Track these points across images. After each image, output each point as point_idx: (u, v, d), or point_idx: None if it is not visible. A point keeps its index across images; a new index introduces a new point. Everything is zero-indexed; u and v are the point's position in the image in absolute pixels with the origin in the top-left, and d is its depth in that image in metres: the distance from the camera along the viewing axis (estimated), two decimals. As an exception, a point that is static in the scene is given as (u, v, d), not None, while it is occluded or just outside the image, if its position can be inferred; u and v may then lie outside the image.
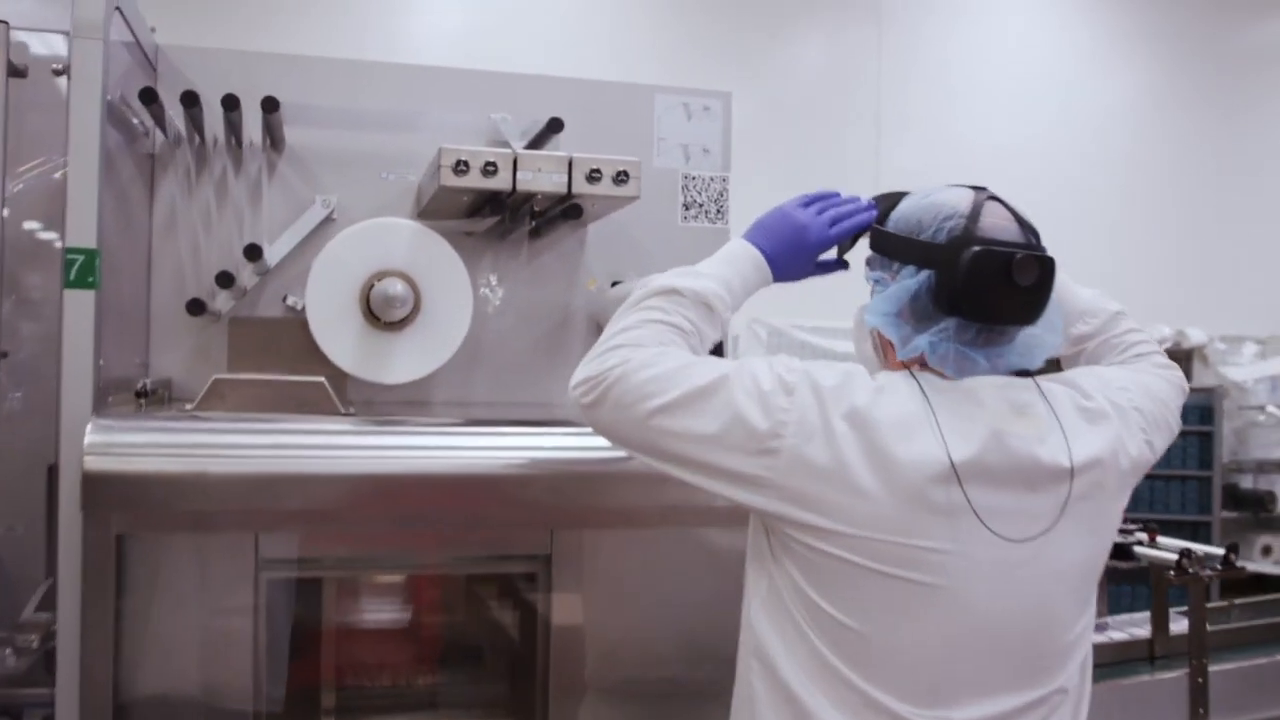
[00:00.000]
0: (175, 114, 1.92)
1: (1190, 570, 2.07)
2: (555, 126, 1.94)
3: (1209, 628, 2.18)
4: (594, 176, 1.77)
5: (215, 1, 5.65)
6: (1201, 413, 6.24)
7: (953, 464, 1.23)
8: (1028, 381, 1.33)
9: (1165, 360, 1.55)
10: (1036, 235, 1.33)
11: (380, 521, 1.65)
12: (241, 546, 1.59)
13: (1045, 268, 1.27)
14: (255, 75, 1.97)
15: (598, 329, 2.18)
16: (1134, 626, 2.31)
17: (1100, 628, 2.21)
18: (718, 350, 1.43)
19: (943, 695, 1.26)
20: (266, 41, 5.44)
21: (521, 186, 1.75)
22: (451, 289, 1.98)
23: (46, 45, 1.99)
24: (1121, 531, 2.26)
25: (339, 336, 1.93)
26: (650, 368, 1.28)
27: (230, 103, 1.86)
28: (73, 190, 1.59)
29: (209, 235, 2.02)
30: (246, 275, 2.01)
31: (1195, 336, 6.64)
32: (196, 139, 2.00)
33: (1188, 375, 1.54)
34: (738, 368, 1.28)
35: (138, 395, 1.83)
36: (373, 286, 1.92)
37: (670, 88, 2.28)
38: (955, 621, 1.25)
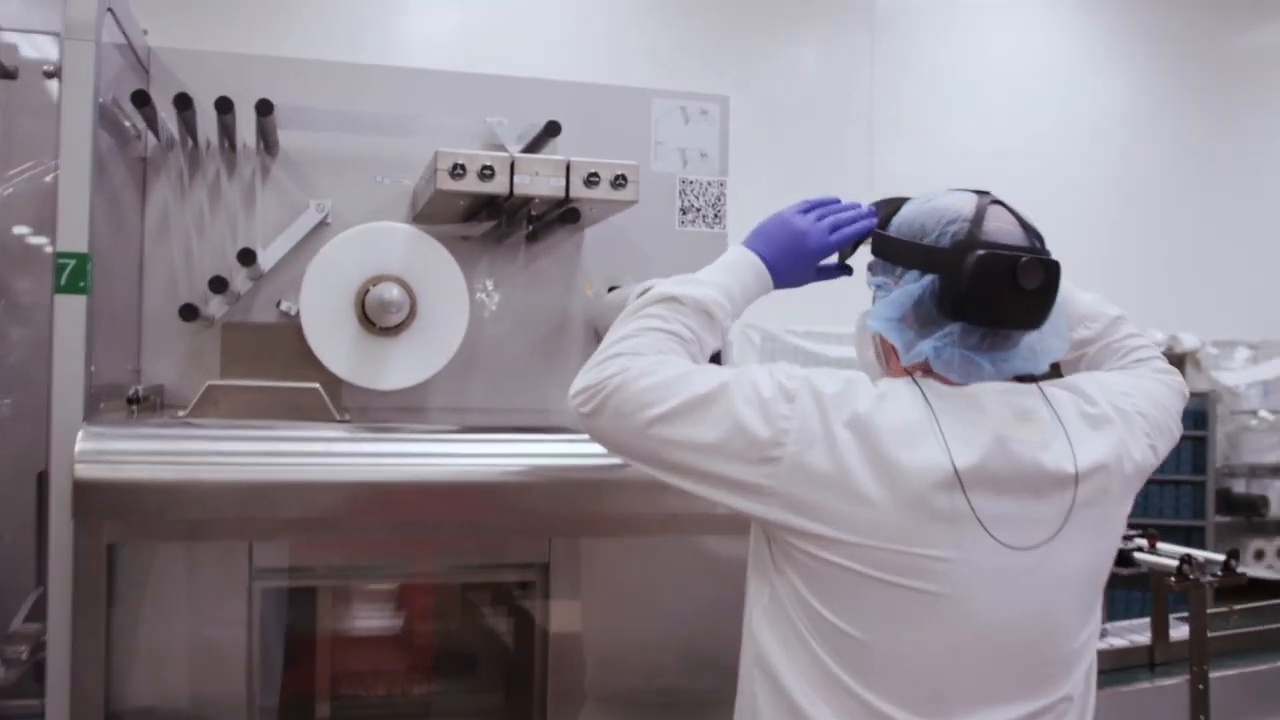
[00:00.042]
0: (168, 117, 1.91)
1: (1191, 576, 2.06)
2: (552, 130, 1.93)
3: (1209, 634, 2.17)
4: (592, 180, 1.76)
5: (208, 3, 5.62)
6: (1195, 417, 6.25)
7: (956, 471, 1.22)
8: (1031, 387, 1.32)
9: (1166, 365, 1.54)
10: (1040, 239, 1.32)
11: (376, 530, 1.64)
12: (235, 555, 1.58)
13: (1050, 271, 1.26)
14: (249, 78, 1.95)
15: (595, 334, 2.16)
16: (1134, 633, 2.30)
17: (1100, 634, 2.20)
18: (715, 358, 1.42)
19: (946, 704, 1.24)
20: (260, 44, 5.43)
21: (519, 190, 1.74)
22: (448, 294, 1.96)
23: (36, 47, 1.97)
24: (1122, 537, 2.25)
25: (334, 342, 1.91)
26: (649, 376, 1.27)
27: (224, 105, 1.84)
28: (64, 194, 1.58)
29: (202, 239, 2.01)
30: (240, 280, 1.99)
31: (1188, 341, 6.66)
32: (189, 142, 1.98)
33: (1180, 380, 1.53)
34: (738, 375, 1.27)
35: (129, 402, 1.81)
36: (368, 291, 1.91)
37: (668, 91, 2.27)
38: (959, 630, 1.24)
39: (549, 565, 1.67)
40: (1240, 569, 2.12)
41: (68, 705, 1.49)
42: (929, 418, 1.24)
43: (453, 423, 1.91)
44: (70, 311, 1.57)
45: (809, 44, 6.96)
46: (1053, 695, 1.28)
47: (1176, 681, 2.16)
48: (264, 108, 1.84)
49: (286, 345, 1.98)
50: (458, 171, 1.71)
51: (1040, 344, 1.32)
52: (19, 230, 2.04)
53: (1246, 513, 6.58)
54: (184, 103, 1.81)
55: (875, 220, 1.42)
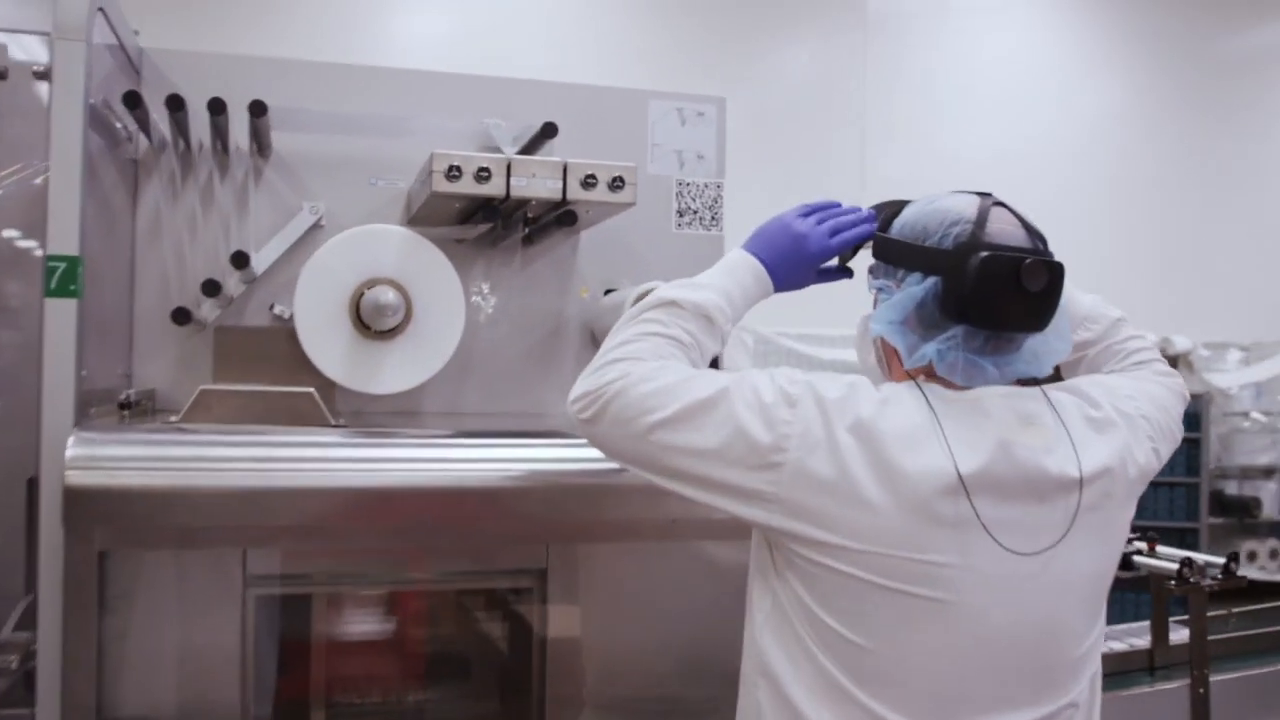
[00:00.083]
0: (160, 118, 1.89)
1: (1191, 580, 2.05)
2: (549, 132, 1.92)
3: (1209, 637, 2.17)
4: (589, 182, 1.75)
5: (200, 4, 5.59)
6: (1188, 419, 6.20)
7: (960, 476, 1.20)
8: (1034, 391, 1.31)
9: (1166, 367, 1.54)
10: (1044, 240, 1.31)
11: (371, 536, 1.62)
12: (229, 563, 1.56)
13: (1054, 273, 1.25)
14: (242, 79, 1.94)
15: (591, 338, 2.15)
16: (1133, 636, 2.30)
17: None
18: (713, 362, 1.41)
19: (951, 712, 1.23)
20: (253, 45, 5.40)
21: (515, 192, 1.72)
22: (443, 297, 1.95)
23: (24, 49, 1.95)
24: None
25: (328, 346, 1.90)
26: (649, 382, 1.26)
27: (216, 107, 1.83)
28: (54, 196, 1.57)
29: (194, 242, 2.00)
30: (233, 283, 1.98)
31: (1180, 343, 6.67)
32: (181, 144, 1.97)
33: (1174, 382, 1.52)
34: (739, 380, 1.26)
35: (121, 407, 1.80)
36: (363, 295, 1.90)
37: (664, 93, 2.26)
38: (963, 637, 1.22)
39: (546, 571, 1.66)
40: (1240, 572, 2.11)
41: (58, 715, 1.47)
42: (932, 422, 1.23)
43: (448, 427, 1.89)
44: (61, 315, 1.56)
45: (802, 46, 6.96)
46: (1058, 702, 1.27)
47: (1176, 685, 2.15)
48: (257, 109, 1.83)
49: (280, 349, 1.97)
50: (454, 173, 1.69)
51: (1043, 346, 1.31)
52: (8, 233, 2.02)
53: (1239, 514, 6.60)
54: (176, 104, 1.80)
55: (876, 224, 1.41)
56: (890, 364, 1.38)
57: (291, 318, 1.92)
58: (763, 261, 1.41)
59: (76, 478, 1.46)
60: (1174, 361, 6.56)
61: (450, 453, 1.68)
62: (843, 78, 6.87)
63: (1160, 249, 7.28)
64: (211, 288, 1.93)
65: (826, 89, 6.87)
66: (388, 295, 1.87)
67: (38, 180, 1.95)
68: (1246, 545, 6.50)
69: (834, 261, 1.47)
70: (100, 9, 1.65)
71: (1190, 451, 6.33)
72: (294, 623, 1.77)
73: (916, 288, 1.28)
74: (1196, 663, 2.13)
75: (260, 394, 1.75)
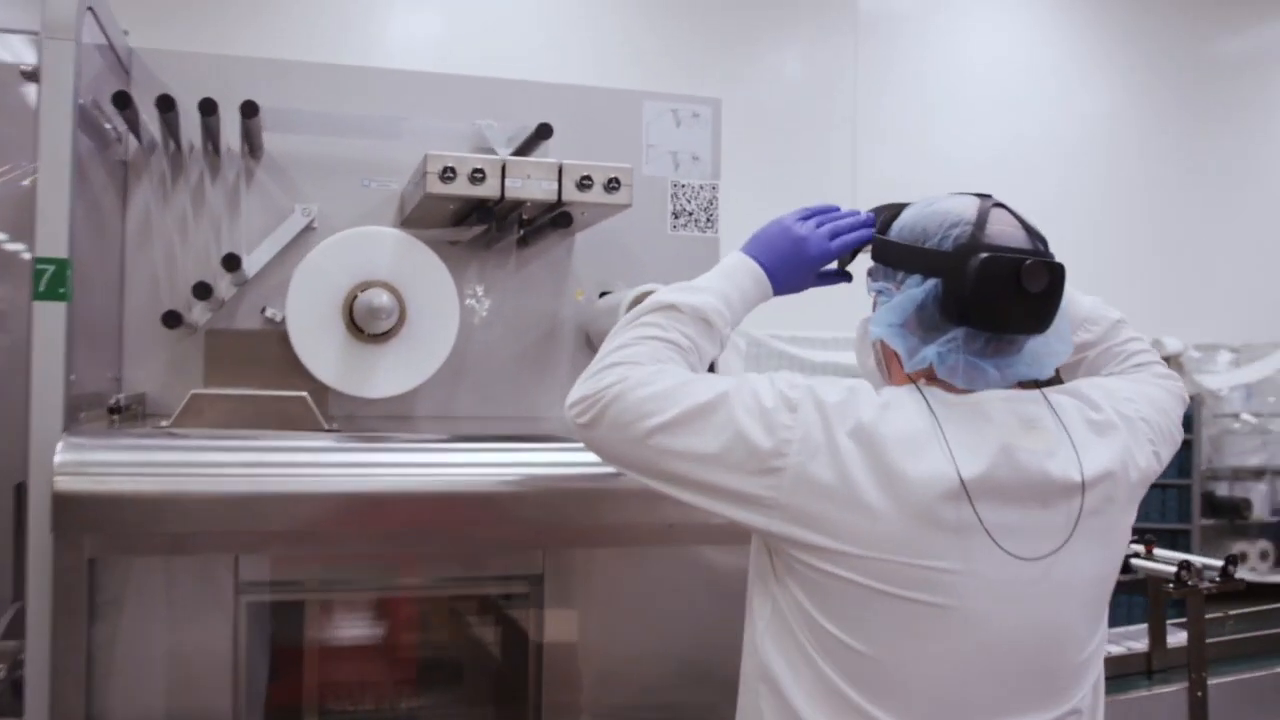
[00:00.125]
0: (150, 119, 1.88)
1: (1189, 583, 2.04)
2: (544, 133, 1.91)
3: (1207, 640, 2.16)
4: (585, 184, 1.73)
5: (190, 4, 5.56)
6: (1180, 421, 6.27)
7: (962, 481, 1.19)
8: (1035, 394, 1.31)
9: (1165, 370, 1.53)
10: (1044, 242, 1.31)
11: (365, 542, 1.61)
12: (221, 569, 1.54)
13: (1055, 274, 1.25)
14: (233, 79, 1.93)
15: (586, 340, 2.14)
16: (1130, 640, 2.29)
17: (1100, 642, 2.19)
18: (710, 367, 1.40)
19: (952, 719, 1.22)
20: (244, 45, 5.37)
21: (510, 194, 1.71)
22: (437, 300, 1.94)
23: (10, 50, 1.94)
24: (1125, 544, 2.24)
25: (321, 349, 1.88)
26: (648, 386, 1.25)
27: (207, 107, 1.81)
28: (43, 198, 1.55)
29: (185, 245, 1.98)
30: (224, 286, 1.96)
31: (1171, 345, 6.68)
32: (172, 145, 1.95)
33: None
34: (739, 384, 1.25)
35: (111, 411, 1.78)
36: (356, 298, 1.88)
37: (659, 94, 2.25)
38: (966, 643, 1.21)
39: (543, 577, 1.64)
40: (1239, 575, 2.10)
41: (47, 725, 1.45)
42: (933, 427, 1.22)
43: (442, 431, 1.88)
44: (49, 318, 1.54)
45: (793, 48, 6.96)
46: (1061, 708, 1.26)
47: (1175, 689, 2.15)
48: (249, 110, 1.81)
49: (272, 353, 1.95)
50: (448, 175, 1.68)
51: (1044, 348, 1.30)
52: (-4, 236, 2.00)
53: (1230, 515, 6.61)
54: (166, 104, 1.78)
55: (875, 227, 1.40)
56: (890, 367, 1.37)
57: (283, 321, 1.90)
58: (762, 265, 1.40)
59: (65, 483, 1.44)
60: (1165, 363, 6.58)
61: (445, 457, 1.67)
62: (834, 79, 6.87)
63: (1151, 251, 7.29)
64: (202, 290, 1.91)
65: (818, 91, 6.88)
66: (381, 298, 1.85)
67: (26, 182, 1.94)
68: (1237, 546, 6.52)
69: (833, 265, 1.46)
70: (89, 8, 1.64)
71: (1182, 453, 6.30)
72: (287, 630, 1.75)
73: (916, 290, 1.27)
74: (1194, 666, 2.13)
75: (252, 398, 1.73)
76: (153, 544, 1.50)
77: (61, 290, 1.54)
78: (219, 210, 2.00)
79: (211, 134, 1.92)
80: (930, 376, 1.28)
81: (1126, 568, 2.19)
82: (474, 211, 1.85)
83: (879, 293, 1.35)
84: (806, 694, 1.23)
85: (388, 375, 1.91)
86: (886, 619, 1.20)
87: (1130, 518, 1.35)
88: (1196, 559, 2.10)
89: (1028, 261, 1.22)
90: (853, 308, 1.41)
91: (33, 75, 1.77)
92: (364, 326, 1.88)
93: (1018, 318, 1.25)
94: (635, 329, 1.33)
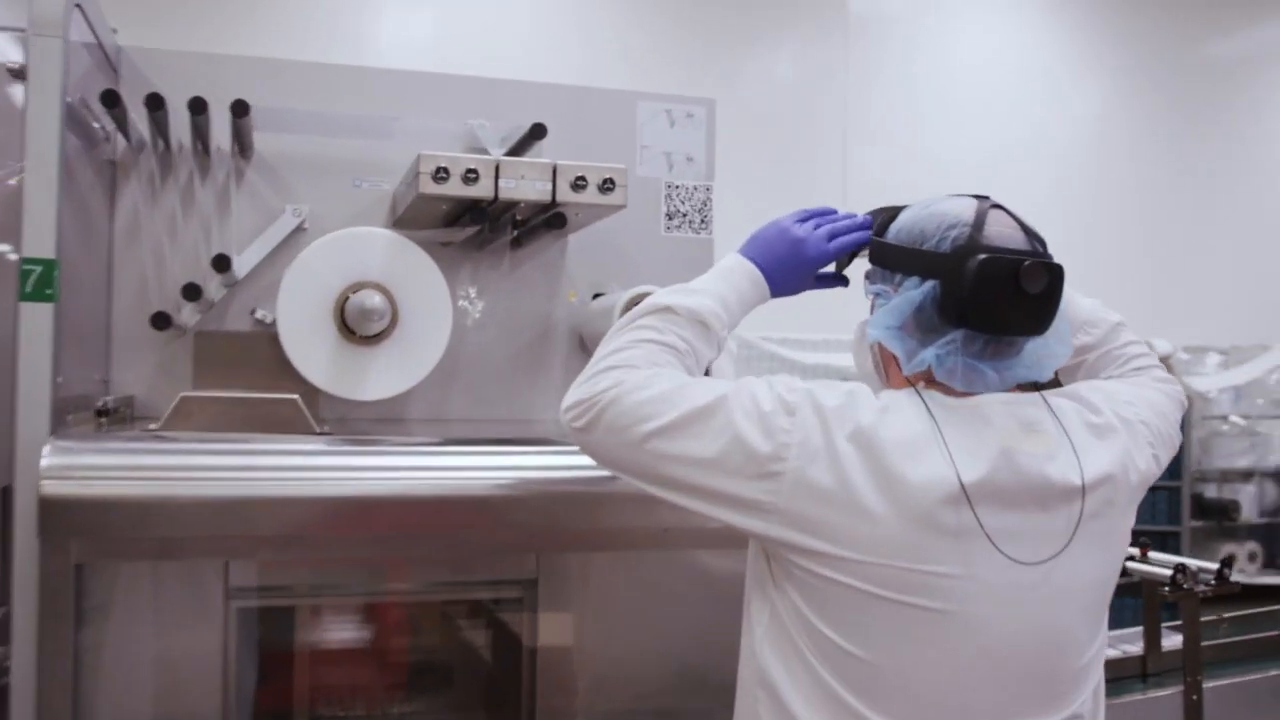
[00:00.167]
0: (138, 118, 1.86)
1: (1185, 586, 2.04)
2: (538, 133, 1.89)
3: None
4: (579, 184, 1.72)
5: (181, 3, 5.53)
6: (1170, 423, 6.30)
7: (962, 485, 1.19)
8: (1035, 397, 1.30)
9: (1164, 374, 1.53)
10: (1043, 243, 1.30)
11: (356, 547, 1.60)
12: (210, 574, 1.53)
13: (1054, 275, 1.24)
14: (223, 78, 1.91)
15: (580, 342, 2.13)
16: (1125, 643, 2.29)
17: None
18: (706, 371, 1.39)
19: (954, 725, 1.21)
20: (235, 44, 5.34)
21: (504, 194, 1.70)
22: (430, 301, 1.92)
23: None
24: (1122, 548, 2.24)
25: (312, 351, 1.87)
26: (644, 389, 1.24)
27: (197, 106, 1.80)
28: (29, 198, 1.54)
29: (174, 245, 1.96)
30: (214, 287, 1.94)
31: (1161, 347, 6.70)
32: (161, 144, 1.94)
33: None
34: (736, 388, 1.24)
35: (98, 414, 1.77)
36: (347, 299, 1.86)
37: (653, 94, 2.24)
38: (966, 648, 1.21)
39: (537, 581, 1.63)
40: (1233, 578, 2.10)
41: (34, 733, 1.44)
42: (933, 430, 1.21)
43: (435, 434, 1.86)
44: (36, 320, 1.52)
45: (783, 50, 6.96)
46: (1062, 713, 1.25)
47: (1170, 692, 2.15)
48: (239, 109, 1.79)
49: (262, 355, 1.94)
50: (441, 175, 1.66)
51: (1044, 350, 1.29)
52: (-18, 236, 1.97)
53: (1218, 517, 6.64)
54: (155, 103, 1.76)
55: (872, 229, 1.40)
56: (888, 370, 1.36)
57: (274, 322, 1.89)
58: (759, 266, 1.39)
59: (52, 488, 1.43)
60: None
61: (437, 460, 1.66)
62: (825, 81, 6.88)
63: (1141, 253, 7.32)
64: (192, 292, 1.89)
65: (809, 93, 6.88)
66: (373, 299, 1.84)
67: (12, 181, 1.91)
68: (1225, 548, 6.54)
69: (831, 267, 1.45)
70: (77, 5, 1.62)
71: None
72: (278, 636, 1.73)
73: (914, 292, 1.27)
74: (1190, 669, 2.13)
75: (242, 401, 1.72)
76: (141, 549, 1.49)
77: (48, 291, 1.52)
78: (209, 210, 1.98)
79: (201, 133, 1.90)
80: (929, 379, 1.27)
81: (1121, 570, 2.19)
82: (467, 212, 1.83)
83: (877, 295, 1.35)
84: (805, 700, 1.22)
85: (380, 377, 1.89)
86: (886, 624, 1.19)
87: (1130, 521, 1.34)
88: (1191, 562, 2.10)
89: (1026, 262, 1.21)
90: (844, 310, 1.40)
91: (19, 73, 1.74)
92: (356, 328, 1.86)
93: (1016, 319, 1.24)
94: (631, 332, 1.32)
